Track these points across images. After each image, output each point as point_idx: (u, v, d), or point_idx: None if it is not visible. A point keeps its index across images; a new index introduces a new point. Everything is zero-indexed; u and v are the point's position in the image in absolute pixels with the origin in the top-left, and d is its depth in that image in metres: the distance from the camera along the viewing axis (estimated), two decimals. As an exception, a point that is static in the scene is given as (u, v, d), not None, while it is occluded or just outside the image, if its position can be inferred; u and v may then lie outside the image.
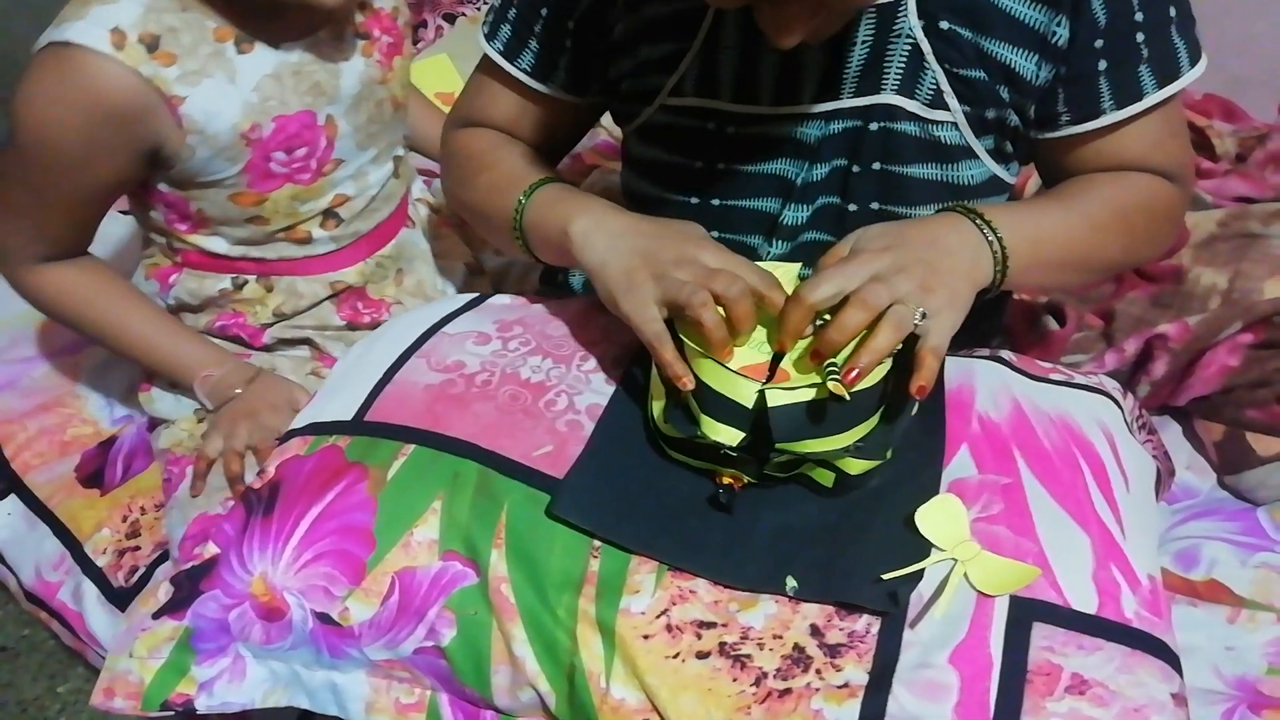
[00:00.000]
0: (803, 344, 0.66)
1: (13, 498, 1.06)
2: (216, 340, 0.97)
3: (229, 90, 0.81)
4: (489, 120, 0.90)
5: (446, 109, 1.62)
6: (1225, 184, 1.20)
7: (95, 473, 1.06)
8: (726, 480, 0.67)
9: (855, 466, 0.66)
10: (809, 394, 0.62)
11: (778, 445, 0.63)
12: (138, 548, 1.00)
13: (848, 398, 0.61)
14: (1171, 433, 1.03)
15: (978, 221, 0.70)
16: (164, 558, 0.98)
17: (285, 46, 0.84)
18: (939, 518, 0.65)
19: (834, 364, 0.63)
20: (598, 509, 0.66)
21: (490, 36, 0.86)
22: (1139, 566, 0.64)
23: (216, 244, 0.92)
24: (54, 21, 0.77)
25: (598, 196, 0.78)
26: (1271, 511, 0.95)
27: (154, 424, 1.02)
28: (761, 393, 0.63)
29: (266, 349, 0.99)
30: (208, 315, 0.97)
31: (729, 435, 0.64)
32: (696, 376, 0.65)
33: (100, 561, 0.99)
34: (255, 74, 0.83)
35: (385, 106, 0.94)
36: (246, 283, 0.95)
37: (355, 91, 0.90)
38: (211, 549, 0.69)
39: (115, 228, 1.18)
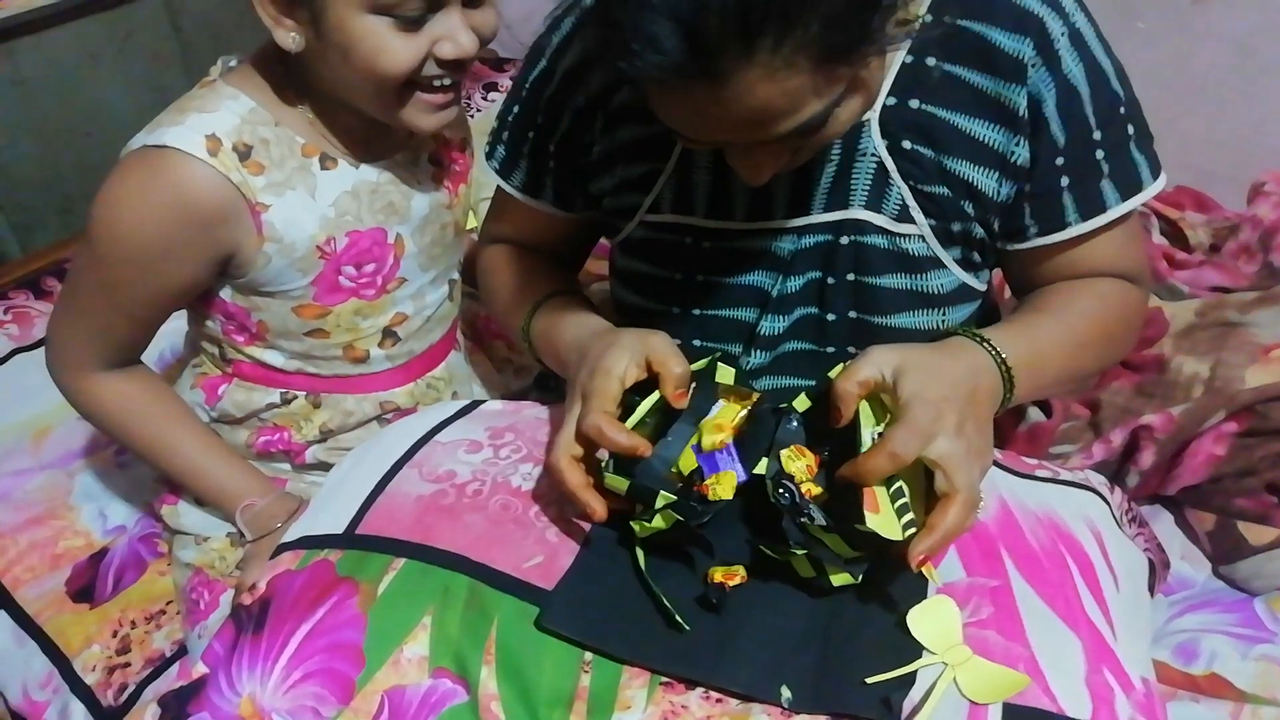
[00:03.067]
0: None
1: (2, 614, 1.05)
2: (256, 463, 0.98)
3: (309, 204, 0.84)
4: (505, 234, 0.96)
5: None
6: (1200, 274, 1.22)
7: (86, 587, 1.06)
8: (718, 579, 0.67)
9: (838, 579, 0.67)
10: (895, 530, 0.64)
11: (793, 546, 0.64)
12: (128, 664, 0.98)
13: (936, 581, 0.64)
14: (1164, 522, 1.03)
15: (990, 350, 0.71)
16: (154, 675, 0.97)
17: (365, 166, 0.88)
18: (931, 620, 0.65)
19: (905, 503, 0.64)
20: (586, 618, 0.65)
21: (490, 155, 0.91)
22: (1132, 669, 0.64)
23: (273, 357, 0.93)
24: (148, 127, 0.80)
25: (586, 310, 0.81)
26: (1268, 601, 0.94)
27: (152, 531, 1.01)
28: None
29: (306, 469, 0.99)
30: (248, 430, 0.97)
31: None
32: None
33: (89, 679, 0.98)
34: (335, 190, 0.86)
35: (449, 231, 0.97)
36: (295, 398, 0.96)
37: (424, 214, 0.92)
38: (201, 668, 0.69)
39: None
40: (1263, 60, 1.43)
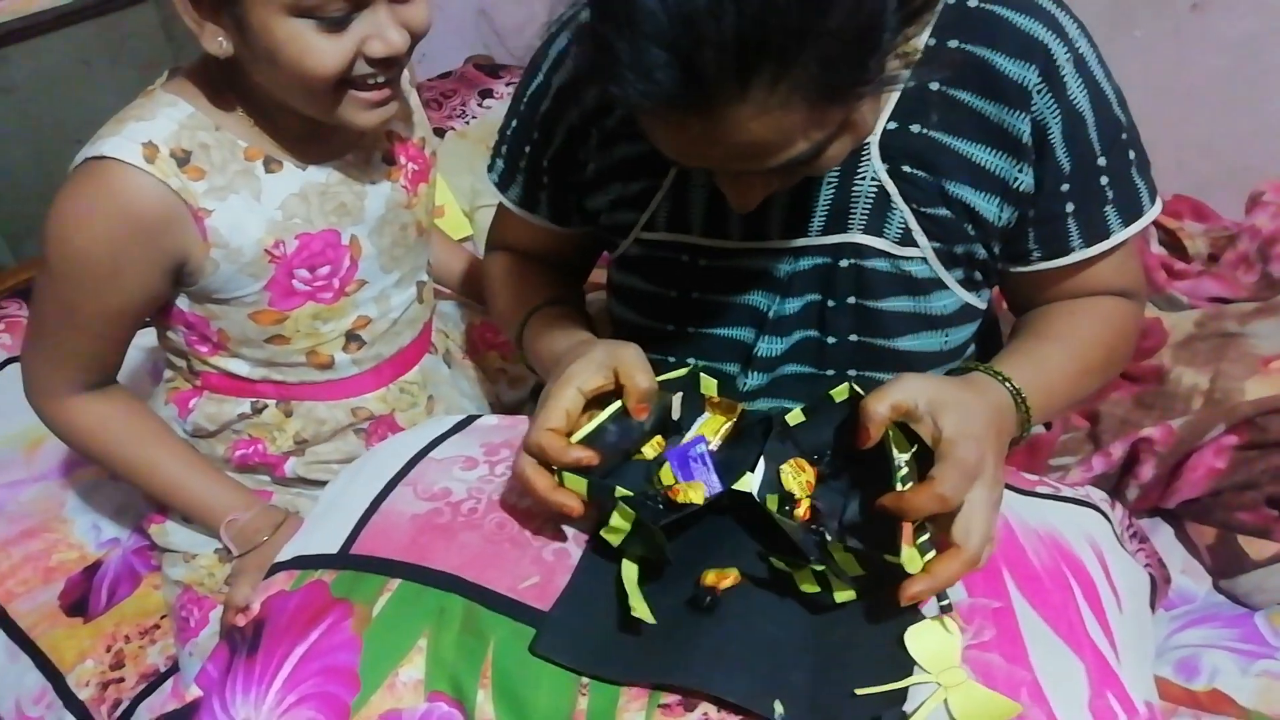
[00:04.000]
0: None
1: (-5, 628, 1.04)
2: (238, 476, 0.97)
3: (255, 207, 0.83)
4: (508, 243, 0.96)
5: (437, 221, 1.68)
6: (1199, 285, 1.22)
7: (79, 601, 1.05)
8: (709, 581, 0.67)
9: (842, 595, 0.66)
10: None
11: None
12: (122, 679, 0.98)
13: (952, 636, 0.64)
14: (1164, 536, 1.03)
15: (1010, 389, 0.72)
16: (149, 690, 0.96)
17: (313, 168, 0.86)
18: (930, 639, 0.64)
19: (929, 539, 0.64)
20: (581, 644, 0.65)
21: (490, 168, 0.91)
22: (1135, 693, 0.64)
23: (237, 366, 0.92)
24: (90, 140, 0.79)
25: (576, 322, 0.82)
26: (1269, 616, 0.94)
27: (146, 544, 1.01)
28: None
29: (287, 483, 0.99)
30: (224, 443, 0.96)
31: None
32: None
33: (83, 695, 0.97)
34: (282, 193, 0.85)
35: (410, 231, 0.95)
36: (266, 407, 0.95)
37: (380, 214, 0.91)
38: (195, 691, 0.68)
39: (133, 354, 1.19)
40: (1260, 67, 1.43)
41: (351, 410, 0.97)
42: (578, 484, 0.69)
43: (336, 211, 0.88)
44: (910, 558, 0.62)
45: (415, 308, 0.99)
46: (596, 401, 0.72)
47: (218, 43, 0.75)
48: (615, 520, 0.66)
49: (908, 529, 0.63)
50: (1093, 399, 1.12)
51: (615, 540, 0.68)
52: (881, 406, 0.65)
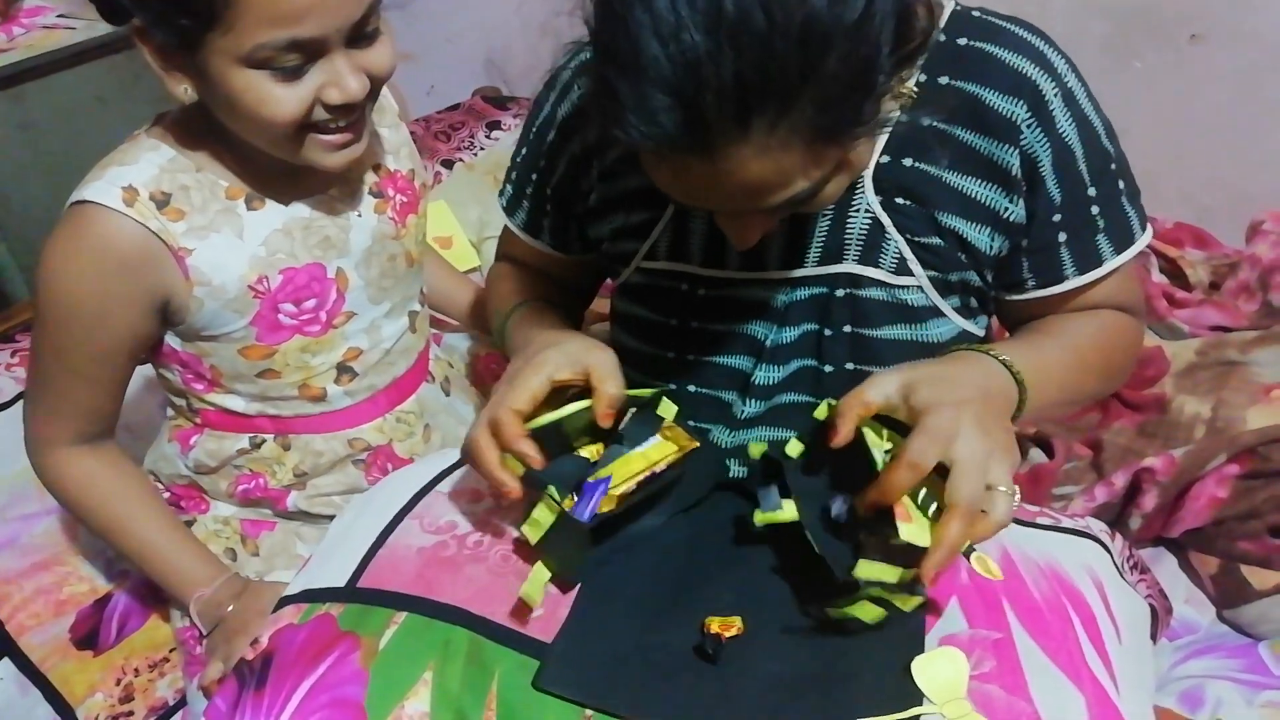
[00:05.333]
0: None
1: (6, 661, 1.04)
2: (241, 510, 0.98)
3: (236, 245, 0.84)
4: (514, 259, 0.99)
5: (445, 252, 1.70)
6: (1200, 314, 1.23)
7: (89, 634, 1.05)
8: (714, 629, 0.67)
9: (906, 603, 0.67)
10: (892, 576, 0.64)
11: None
12: (131, 713, 0.98)
13: (997, 575, 0.68)
14: (1167, 565, 1.03)
15: (995, 357, 0.72)
16: (157, 724, 0.97)
17: (296, 203, 0.88)
18: (936, 670, 0.65)
19: (937, 508, 0.64)
20: (585, 677, 0.65)
21: (500, 193, 0.94)
22: (1135, 726, 0.64)
23: (233, 402, 0.93)
24: (79, 185, 0.81)
25: (560, 319, 0.85)
26: (1273, 646, 0.94)
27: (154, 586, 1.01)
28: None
29: (290, 516, 0.99)
30: (226, 478, 0.97)
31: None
32: None
33: (92, 729, 0.98)
34: (265, 229, 0.86)
35: (399, 262, 0.96)
36: (264, 441, 0.95)
37: (367, 246, 0.92)
38: (203, 725, 0.69)
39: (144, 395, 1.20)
40: (1259, 98, 1.45)
41: (348, 442, 0.97)
42: (516, 467, 0.71)
43: (321, 245, 0.89)
44: (917, 532, 0.63)
45: (408, 338, 1.00)
46: (558, 393, 0.74)
47: (182, 90, 0.77)
48: (539, 513, 0.69)
49: (899, 510, 0.64)
50: (1096, 422, 1.12)
51: (534, 535, 0.70)
52: (852, 402, 0.67)
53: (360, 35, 0.75)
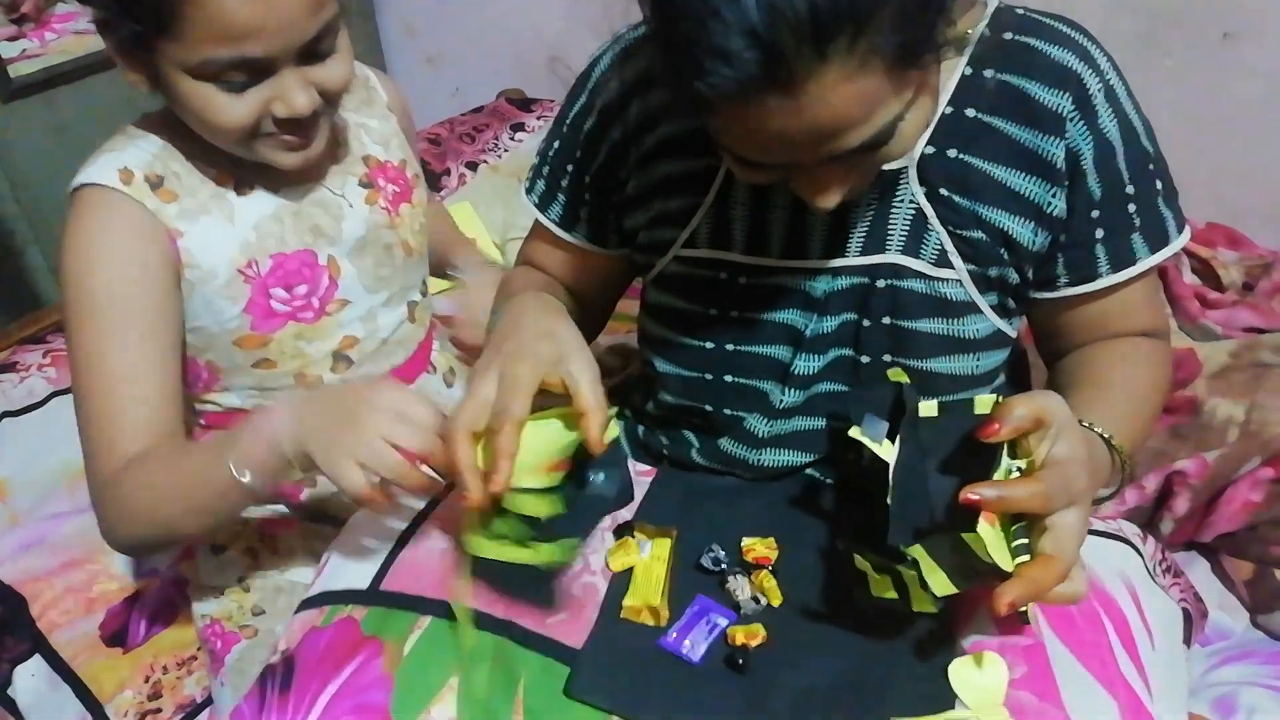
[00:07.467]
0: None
1: (37, 658, 1.06)
2: (255, 509, 0.97)
3: (227, 229, 0.85)
4: (536, 265, 0.96)
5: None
6: (1234, 315, 1.21)
7: (119, 631, 1.07)
8: (739, 640, 0.67)
9: (920, 604, 0.66)
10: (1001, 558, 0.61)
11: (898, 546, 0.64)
12: (159, 710, 0.99)
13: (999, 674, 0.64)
14: (1200, 570, 1.02)
15: (1104, 438, 0.71)
16: (185, 721, 0.97)
17: (287, 189, 0.88)
18: (977, 676, 0.64)
19: (1023, 542, 0.62)
20: (616, 684, 0.65)
21: (529, 190, 0.92)
22: (1168, 733, 0.63)
23: (231, 399, 0.93)
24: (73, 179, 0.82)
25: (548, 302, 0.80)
26: (1309, 654, 0.92)
27: (183, 579, 1.02)
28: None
29: (306, 512, 0.99)
30: None
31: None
32: None
33: (120, 726, 0.99)
34: (255, 214, 0.86)
35: (395, 252, 0.96)
36: None
37: (360, 235, 0.92)
38: (230, 725, 0.69)
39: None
40: (1293, 95, 1.42)
41: None
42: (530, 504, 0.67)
43: (312, 232, 0.89)
44: (994, 544, 0.60)
45: (407, 327, 0.99)
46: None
47: (140, 86, 0.78)
48: (503, 528, 0.67)
49: (986, 514, 0.60)
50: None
51: (493, 552, 0.68)
52: (1023, 410, 0.63)
53: (313, 53, 0.76)
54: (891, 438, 0.67)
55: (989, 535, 0.60)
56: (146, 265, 0.81)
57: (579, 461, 0.70)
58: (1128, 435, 0.74)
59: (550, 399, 0.69)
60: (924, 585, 0.63)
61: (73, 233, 0.81)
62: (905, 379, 0.71)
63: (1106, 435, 0.71)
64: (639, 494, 0.82)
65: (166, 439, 0.82)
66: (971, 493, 0.59)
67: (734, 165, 0.66)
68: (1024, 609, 0.68)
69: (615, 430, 0.71)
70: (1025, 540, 0.61)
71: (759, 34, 0.54)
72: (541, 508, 0.67)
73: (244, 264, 0.85)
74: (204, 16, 0.69)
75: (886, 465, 0.66)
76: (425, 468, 0.72)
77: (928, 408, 0.68)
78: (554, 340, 0.71)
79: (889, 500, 0.64)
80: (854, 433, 0.67)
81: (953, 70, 0.73)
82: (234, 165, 0.85)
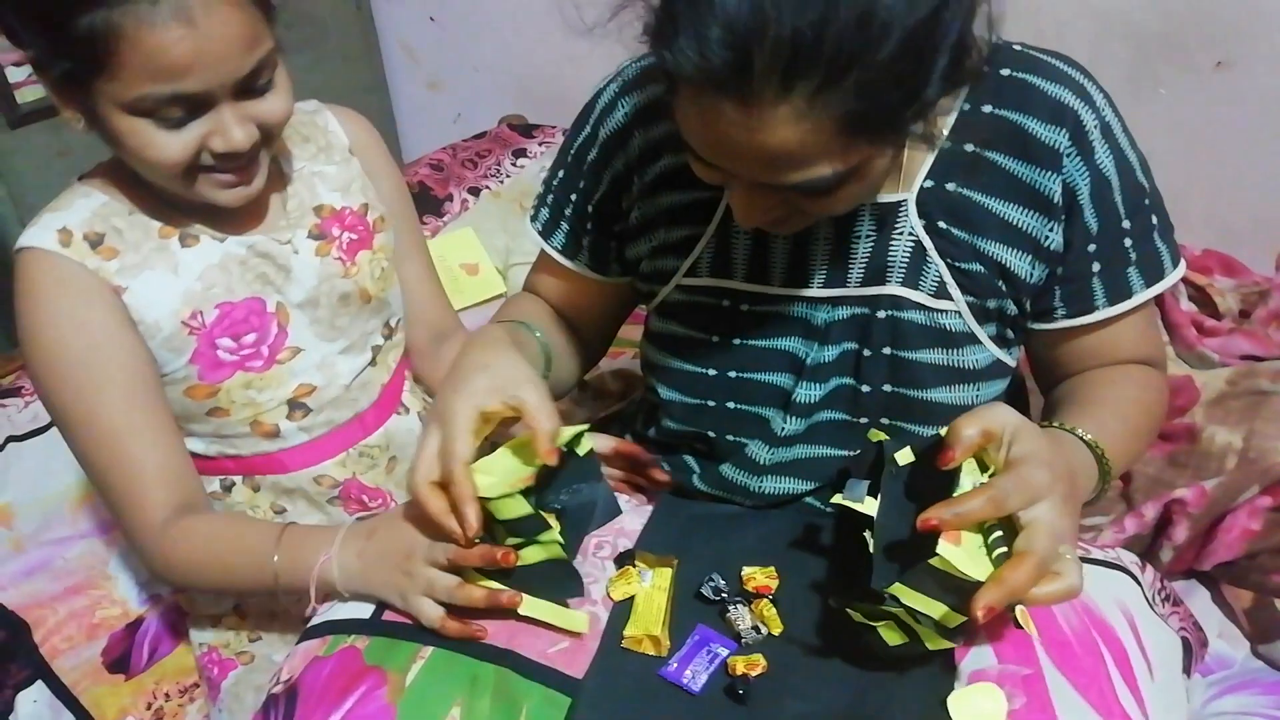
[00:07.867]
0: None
1: (39, 684, 1.06)
2: None
3: (170, 281, 0.84)
4: (539, 293, 0.98)
5: (471, 279, 1.70)
6: (1230, 342, 1.22)
7: (121, 657, 1.07)
8: (740, 670, 0.67)
9: (934, 643, 0.66)
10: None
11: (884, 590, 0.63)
12: (160, 737, 0.99)
13: (1032, 632, 0.67)
14: (1200, 599, 1.02)
15: (1087, 442, 0.73)
16: (186, 748, 0.97)
17: (232, 239, 0.87)
18: (975, 707, 0.64)
19: (1003, 550, 0.62)
20: (616, 715, 0.66)
21: (533, 218, 0.94)
22: (1167, 764, 0.63)
23: (195, 445, 0.92)
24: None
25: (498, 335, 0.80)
26: (1310, 683, 0.92)
27: (183, 611, 1.02)
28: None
29: None
30: None
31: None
32: None
33: (122, 753, 0.99)
34: (200, 264, 0.85)
35: (352, 300, 0.93)
36: (234, 484, 0.94)
37: (312, 285, 0.90)
38: (232, 755, 0.69)
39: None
40: (1286, 123, 1.44)
41: (314, 479, 0.95)
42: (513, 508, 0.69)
43: (260, 280, 0.88)
44: (963, 558, 0.60)
45: (369, 372, 0.97)
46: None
47: (75, 120, 0.77)
48: (513, 506, 0.68)
49: (950, 534, 0.61)
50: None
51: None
52: (972, 429, 0.64)
53: (250, 88, 0.76)
54: (874, 493, 0.68)
55: (954, 554, 0.60)
56: (103, 324, 0.82)
57: (555, 482, 0.73)
58: (1110, 444, 0.74)
59: (514, 425, 0.72)
60: (918, 619, 0.64)
61: (22, 295, 0.81)
62: (885, 438, 0.71)
63: (1080, 433, 0.72)
64: (639, 522, 0.83)
65: (191, 478, 0.87)
66: (928, 518, 0.60)
67: (689, 158, 0.68)
68: (1020, 616, 0.69)
69: (588, 444, 0.74)
70: (1005, 548, 0.62)
71: (739, 38, 0.55)
72: (523, 506, 0.69)
73: (188, 315, 0.85)
74: (138, 54, 0.69)
75: (872, 519, 0.67)
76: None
77: (904, 455, 0.70)
78: (489, 371, 0.72)
79: (870, 550, 0.66)
80: (837, 499, 0.69)
81: (952, 106, 0.75)
82: (181, 215, 0.85)
